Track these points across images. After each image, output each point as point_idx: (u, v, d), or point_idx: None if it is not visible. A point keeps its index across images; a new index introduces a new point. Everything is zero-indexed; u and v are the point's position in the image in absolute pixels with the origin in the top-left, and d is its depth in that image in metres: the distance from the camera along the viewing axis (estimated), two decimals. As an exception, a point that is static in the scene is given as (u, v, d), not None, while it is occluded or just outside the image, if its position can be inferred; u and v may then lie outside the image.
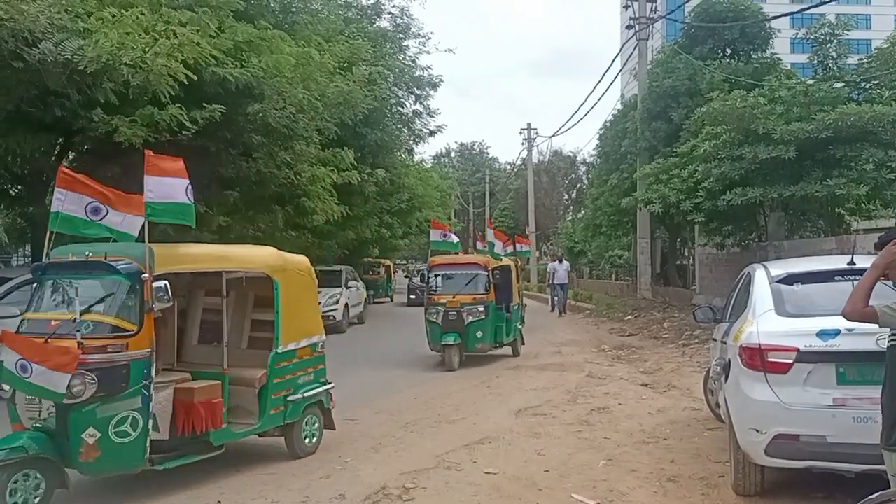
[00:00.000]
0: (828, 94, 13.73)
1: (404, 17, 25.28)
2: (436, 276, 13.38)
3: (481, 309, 12.69)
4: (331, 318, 17.29)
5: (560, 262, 25.28)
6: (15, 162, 12.60)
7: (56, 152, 13.20)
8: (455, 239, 15.09)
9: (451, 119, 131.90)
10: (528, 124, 45.15)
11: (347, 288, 20.14)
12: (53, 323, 5.36)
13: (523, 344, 14.55)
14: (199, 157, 12.37)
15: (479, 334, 12.71)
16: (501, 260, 14.59)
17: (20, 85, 9.40)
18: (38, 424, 5.22)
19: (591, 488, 5.60)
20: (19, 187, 14.00)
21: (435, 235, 14.12)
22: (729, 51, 20.73)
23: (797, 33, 17.95)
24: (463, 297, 12.81)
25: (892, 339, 3.38)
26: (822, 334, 4.67)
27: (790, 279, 5.42)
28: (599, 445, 6.96)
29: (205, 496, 5.54)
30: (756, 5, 21.93)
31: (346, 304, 19.55)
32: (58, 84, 9.24)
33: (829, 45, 16.33)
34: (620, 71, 28.52)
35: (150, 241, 5.52)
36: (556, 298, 24.34)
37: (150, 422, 5.34)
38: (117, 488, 5.74)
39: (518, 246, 24.99)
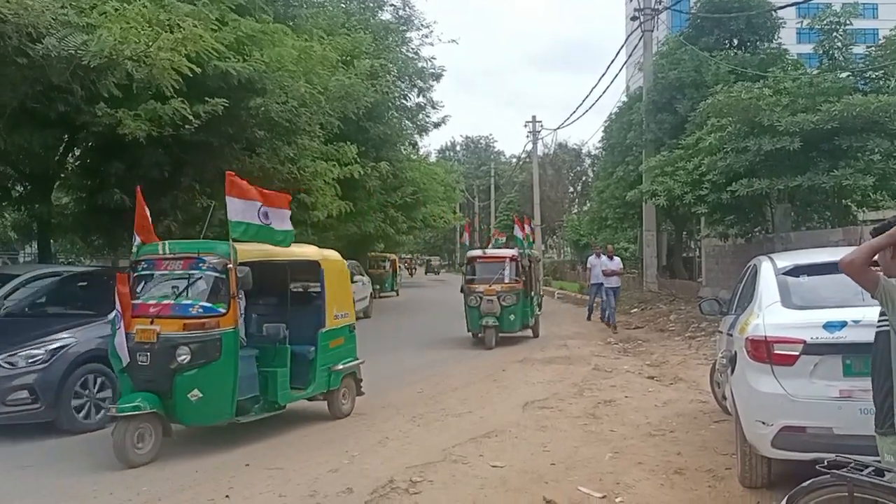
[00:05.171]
0: (833, 85, 13.67)
1: (406, 8, 25.19)
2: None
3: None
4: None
5: (611, 258, 17.94)
6: (21, 159, 12.62)
7: (62, 148, 13.22)
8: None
9: (456, 113, 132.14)
10: (533, 117, 44.82)
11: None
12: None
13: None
14: (202, 152, 12.38)
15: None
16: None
17: (24, 81, 9.40)
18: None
19: (597, 481, 5.60)
20: (26, 185, 14.02)
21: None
22: (735, 41, 20.67)
23: (802, 22, 17.83)
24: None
25: (879, 325, 3.35)
26: (829, 326, 4.65)
27: (796, 271, 5.40)
28: (606, 438, 6.96)
29: (214, 489, 5.55)
30: (762, -5, 21.79)
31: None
32: (61, 79, 9.23)
33: (834, 34, 16.23)
34: (625, 63, 28.50)
35: None
36: (598, 301, 18.20)
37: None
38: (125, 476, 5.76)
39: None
